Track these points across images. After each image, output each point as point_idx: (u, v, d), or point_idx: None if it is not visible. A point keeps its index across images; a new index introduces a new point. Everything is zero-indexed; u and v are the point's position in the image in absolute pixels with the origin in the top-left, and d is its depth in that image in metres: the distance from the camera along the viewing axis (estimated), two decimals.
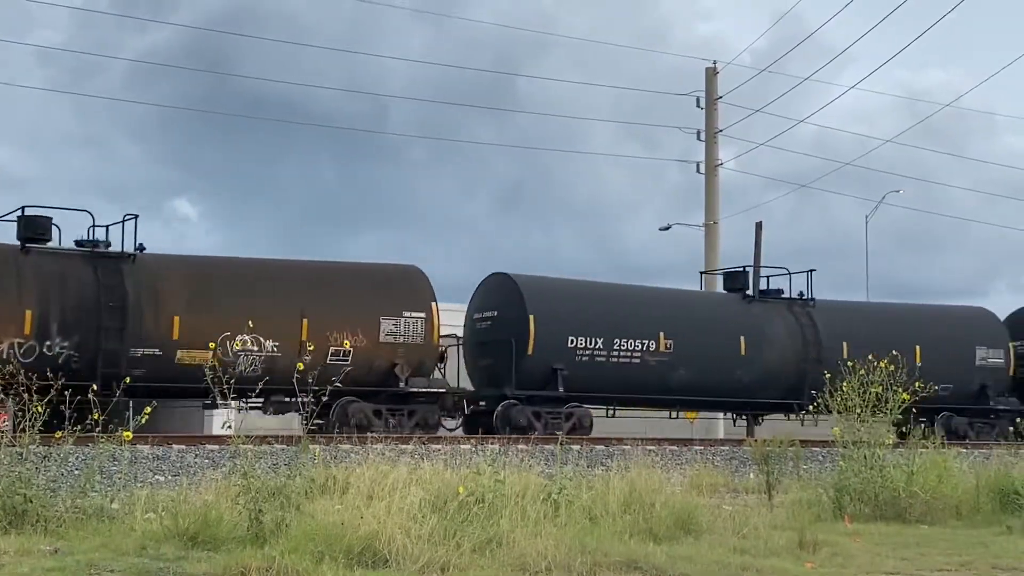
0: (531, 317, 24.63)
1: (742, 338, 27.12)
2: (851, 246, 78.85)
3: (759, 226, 40.87)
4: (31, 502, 11.00)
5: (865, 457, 15.06)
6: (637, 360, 25.55)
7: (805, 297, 29.18)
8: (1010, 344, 30.71)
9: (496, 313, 25.62)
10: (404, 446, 17.88)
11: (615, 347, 25.36)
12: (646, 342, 25.74)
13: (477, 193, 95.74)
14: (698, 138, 38.00)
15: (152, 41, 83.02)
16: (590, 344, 25.15)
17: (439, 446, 19.80)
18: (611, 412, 26.66)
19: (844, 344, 25.93)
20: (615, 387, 25.60)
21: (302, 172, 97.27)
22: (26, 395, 11.65)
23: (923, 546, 12.23)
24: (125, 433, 11.75)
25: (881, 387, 15.33)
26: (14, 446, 11.40)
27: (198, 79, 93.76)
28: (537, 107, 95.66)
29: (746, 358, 27.08)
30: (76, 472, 14.33)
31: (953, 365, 29.07)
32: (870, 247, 50.28)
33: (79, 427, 11.79)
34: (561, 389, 24.58)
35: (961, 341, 30.04)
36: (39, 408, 11.55)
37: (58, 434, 11.85)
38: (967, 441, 27.24)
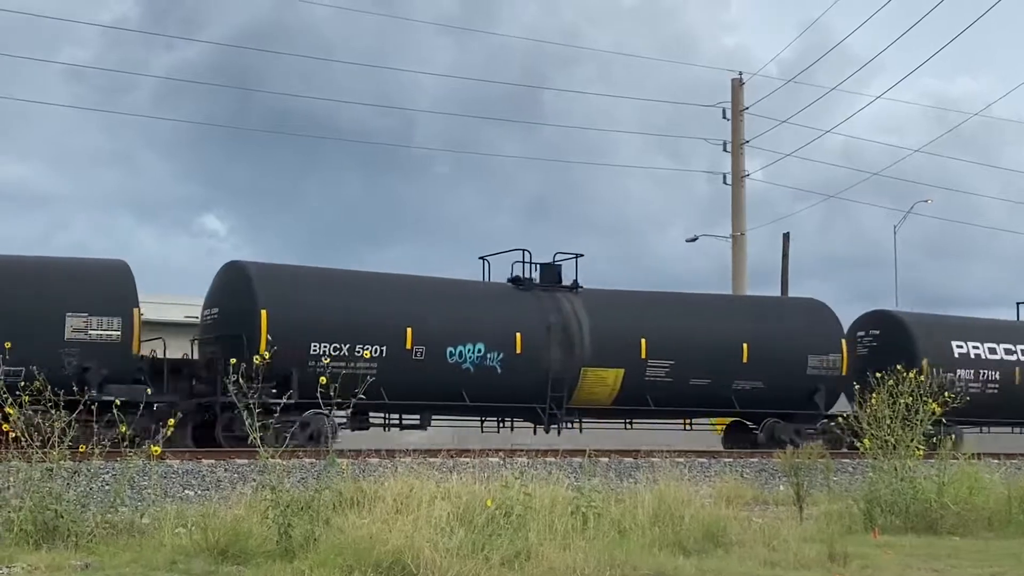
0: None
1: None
2: (880, 256, 78.35)
3: (787, 237, 40.86)
4: (62, 517, 11.06)
5: (896, 468, 14.99)
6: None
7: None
8: None
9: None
10: (432, 459, 17.88)
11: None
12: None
13: (503, 207, 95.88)
14: (724, 149, 37.98)
15: (180, 58, 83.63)
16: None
17: (467, 459, 19.80)
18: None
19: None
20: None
21: (329, 186, 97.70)
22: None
23: (954, 558, 12.14)
24: (154, 448, 11.81)
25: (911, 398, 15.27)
26: (44, 461, 11.46)
27: (226, 95, 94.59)
28: (563, 120, 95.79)
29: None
30: (106, 488, 14.40)
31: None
32: (899, 257, 50.07)
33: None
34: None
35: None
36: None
37: (82, 448, 11.91)
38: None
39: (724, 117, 37.92)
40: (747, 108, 37.82)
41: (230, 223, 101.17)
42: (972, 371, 28.75)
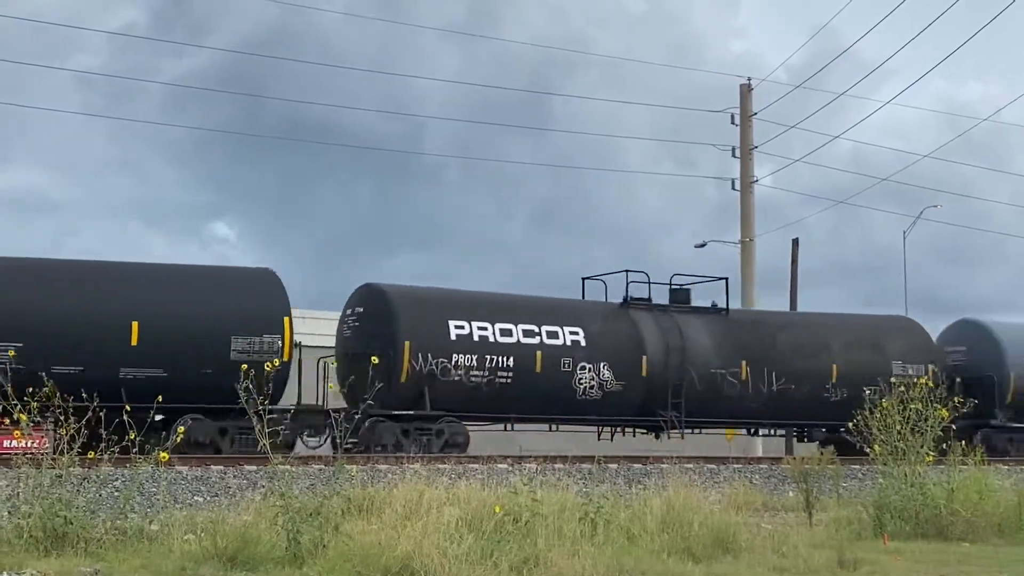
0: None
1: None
2: (890, 262, 78.39)
3: (796, 243, 40.82)
4: (71, 524, 11.08)
5: (905, 474, 14.96)
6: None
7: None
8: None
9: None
10: (441, 466, 17.88)
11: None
12: None
13: (512, 212, 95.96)
14: (733, 155, 37.90)
15: (189, 65, 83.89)
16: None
17: (476, 465, 19.80)
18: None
19: None
20: None
21: (338, 193, 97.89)
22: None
23: (964, 564, 12.12)
24: (162, 455, 11.83)
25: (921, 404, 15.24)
26: (54, 467, 11.48)
27: (234, 102, 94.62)
28: (572, 126, 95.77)
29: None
30: (116, 494, 14.42)
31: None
32: (909, 262, 49.97)
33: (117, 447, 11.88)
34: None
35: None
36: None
37: (91, 454, 11.94)
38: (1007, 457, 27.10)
39: (733, 123, 37.88)
40: (755, 113, 37.77)
41: (239, 229, 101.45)
42: None
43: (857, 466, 22.48)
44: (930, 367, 26.78)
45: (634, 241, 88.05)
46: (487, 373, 23.42)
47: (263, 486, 14.96)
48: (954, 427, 15.63)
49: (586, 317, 25.01)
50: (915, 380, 15.49)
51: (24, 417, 11.58)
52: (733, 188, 37.94)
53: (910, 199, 72.05)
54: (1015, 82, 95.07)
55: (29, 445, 12.92)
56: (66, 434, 11.52)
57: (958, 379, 26.65)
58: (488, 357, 23.47)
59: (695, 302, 27.03)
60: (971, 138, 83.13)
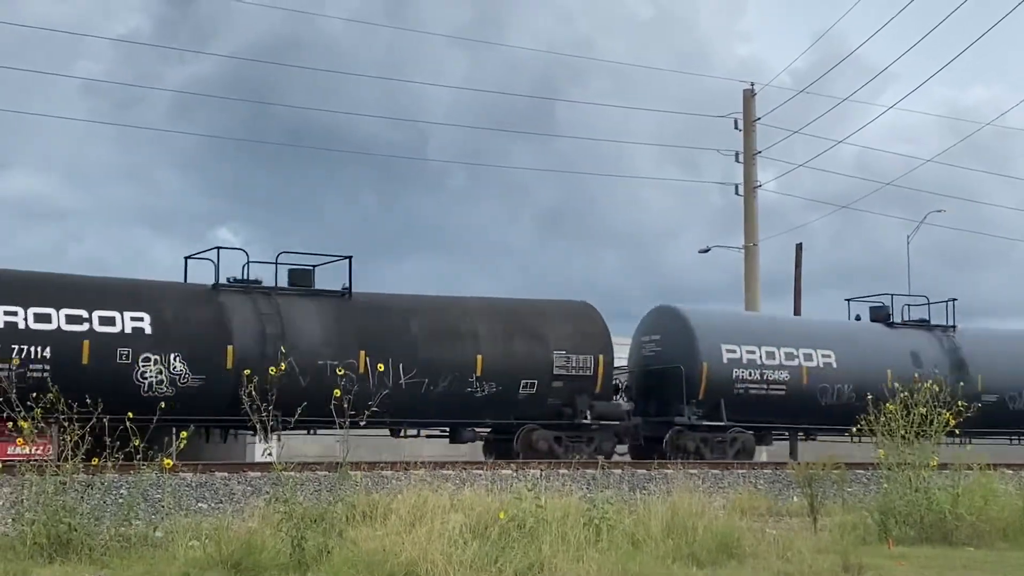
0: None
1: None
2: (894, 266, 77.94)
3: (799, 247, 40.77)
4: (75, 531, 11.08)
5: (910, 479, 14.94)
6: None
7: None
8: None
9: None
10: (446, 471, 17.89)
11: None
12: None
13: (518, 219, 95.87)
14: (736, 160, 37.93)
15: (194, 72, 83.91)
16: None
17: (480, 471, 19.80)
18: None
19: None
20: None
21: (344, 199, 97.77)
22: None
23: (969, 569, 12.10)
24: (166, 461, 11.83)
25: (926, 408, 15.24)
26: (58, 474, 11.48)
27: (240, 109, 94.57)
28: (577, 132, 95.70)
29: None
30: (120, 500, 14.44)
31: None
32: (914, 267, 49.92)
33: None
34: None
35: None
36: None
37: (95, 460, 11.94)
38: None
39: (736, 128, 37.90)
40: (759, 119, 37.79)
41: (245, 236, 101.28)
42: None
43: (862, 471, 22.46)
44: (600, 358, 24.74)
45: (638, 246, 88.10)
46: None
47: (267, 492, 14.97)
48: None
49: (160, 302, 21.64)
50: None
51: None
52: (737, 193, 37.96)
53: (914, 204, 72.06)
54: (1019, 86, 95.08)
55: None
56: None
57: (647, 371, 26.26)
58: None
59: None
60: (975, 142, 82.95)
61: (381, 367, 22.25)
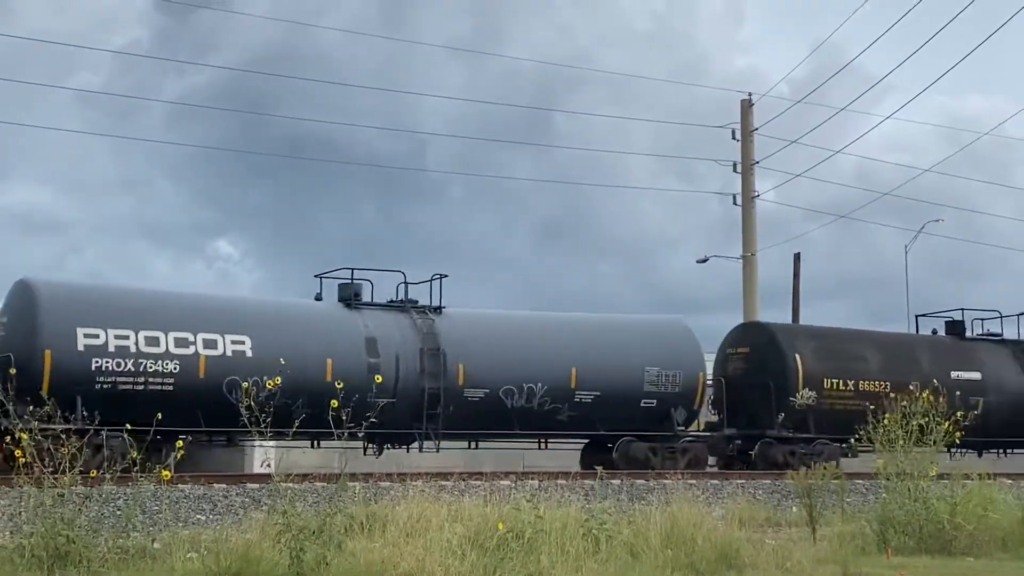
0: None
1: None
2: (892, 276, 78.06)
3: (798, 257, 40.87)
4: (73, 543, 11.06)
5: (909, 489, 14.93)
6: None
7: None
8: None
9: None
10: (444, 482, 17.85)
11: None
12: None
13: (516, 229, 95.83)
14: (734, 170, 37.93)
15: (191, 83, 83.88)
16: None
17: (478, 482, 19.77)
18: None
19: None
20: None
21: (342, 210, 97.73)
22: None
23: None
24: (164, 472, 11.80)
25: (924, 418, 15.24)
26: (55, 486, 11.46)
27: (237, 120, 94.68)
28: (575, 143, 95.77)
29: None
30: (118, 512, 14.42)
31: None
32: (912, 277, 49.86)
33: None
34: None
35: None
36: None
37: (93, 472, 11.92)
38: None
39: (734, 138, 37.91)
40: (756, 129, 37.79)
41: (243, 247, 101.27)
42: None
43: (861, 481, 22.44)
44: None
45: (637, 256, 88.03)
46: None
47: (266, 504, 14.94)
48: None
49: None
50: None
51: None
52: (735, 203, 37.96)
53: (913, 213, 71.67)
54: (1018, 95, 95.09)
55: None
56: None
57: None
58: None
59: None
60: (974, 152, 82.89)
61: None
